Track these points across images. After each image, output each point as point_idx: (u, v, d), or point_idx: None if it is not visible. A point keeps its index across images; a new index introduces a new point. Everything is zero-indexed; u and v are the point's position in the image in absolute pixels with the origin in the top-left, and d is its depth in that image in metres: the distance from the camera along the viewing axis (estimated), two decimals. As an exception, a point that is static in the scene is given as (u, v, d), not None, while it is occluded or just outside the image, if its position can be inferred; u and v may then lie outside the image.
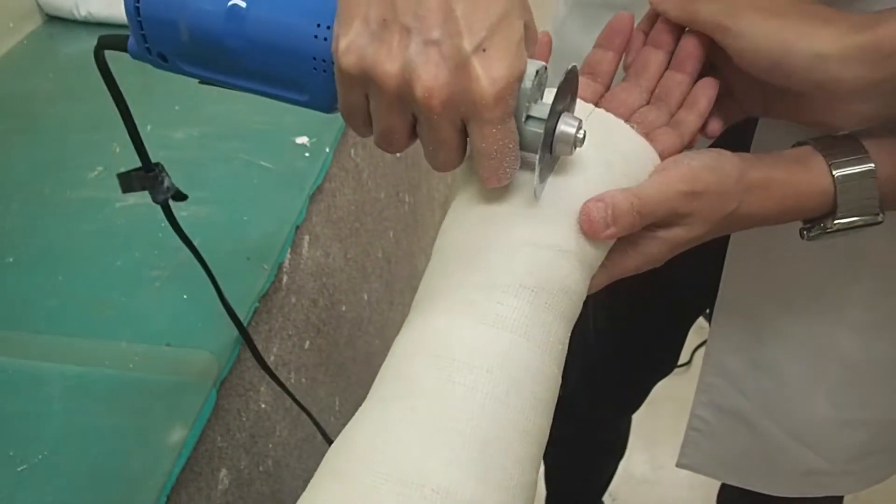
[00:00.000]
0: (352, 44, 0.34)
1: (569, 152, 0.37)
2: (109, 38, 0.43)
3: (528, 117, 0.36)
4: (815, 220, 0.45)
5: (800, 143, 0.45)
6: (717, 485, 0.85)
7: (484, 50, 0.32)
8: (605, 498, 1.37)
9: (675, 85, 0.45)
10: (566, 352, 0.38)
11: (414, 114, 0.35)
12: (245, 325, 0.62)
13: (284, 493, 0.76)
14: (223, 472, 0.61)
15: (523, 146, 0.37)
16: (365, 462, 0.31)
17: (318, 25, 0.37)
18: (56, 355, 0.60)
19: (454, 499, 0.30)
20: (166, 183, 0.50)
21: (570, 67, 0.37)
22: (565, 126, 0.37)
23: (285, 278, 0.72)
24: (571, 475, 1.22)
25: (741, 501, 0.84)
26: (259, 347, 0.67)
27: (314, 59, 0.38)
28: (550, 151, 0.38)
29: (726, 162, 0.42)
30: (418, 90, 0.33)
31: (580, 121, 0.37)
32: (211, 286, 0.64)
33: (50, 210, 0.71)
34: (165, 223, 0.71)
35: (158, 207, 0.72)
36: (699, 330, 0.89)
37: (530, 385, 0.34)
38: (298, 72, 0.38)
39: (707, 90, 0.45)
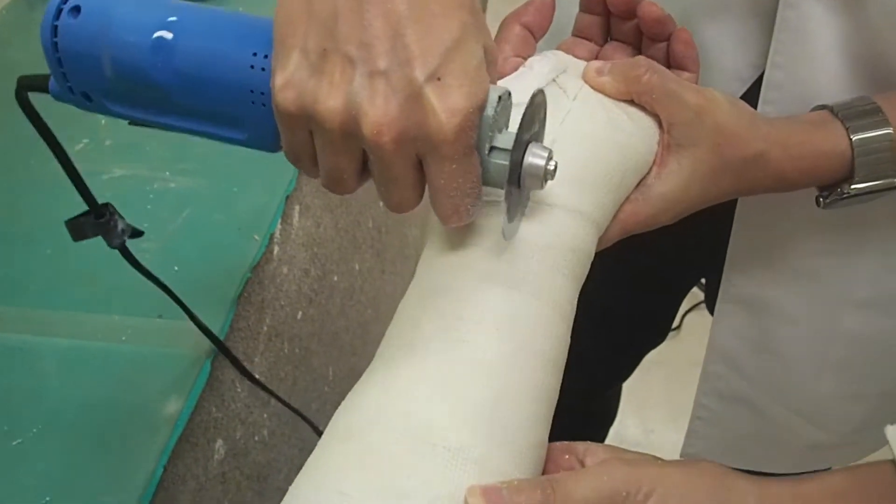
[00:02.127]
0: (290, 79, 0.30)
1: (539, 186, 0.34)
2: (29, 79, 0.39)
3: (492, 148, 0.33)
4: (832, 186, 0.45)
5: (818, 108, 0.45)
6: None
7: (438, 79, 0.29)
8: (598, 461, 1.39)
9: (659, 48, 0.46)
10: (574, 312, 0.38)
11: (364, 151, 0.32)
12: (237, 296, 0.62)
13: (281, 461, 0.76)
14: (219, 442, 0.62)
15: (488, 181, 0.33)
16: (374, 421, 0.31)
17: (255, 54, 0.33)
18: (48, 329, 0.59)
19: (464, 456, 0.30)
20: (120, 226, 0.46)
21: (534, 91, 0.33)
22: (533, 158, 0.33)
23: (276, 249, 0.71)
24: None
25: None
26: (252, 319, 0.67)
27: (251, 91, 0.34)
28: (519, 186, 0.34)
29: (740, 102, 0.43)
30: (366, 127, 0.29)
31: (550, 151, 0.34)
32: (200, 258, 0.63)
33: (36, 184, 0.70)
34: (154, 195, 0.70)
35: (147, 179, 0.72)
36: (689, 295, 0.89)
37: (540, 344, 0.34)
38: (235, 107, 0.34)
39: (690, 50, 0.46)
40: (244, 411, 0.66)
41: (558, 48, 0.48)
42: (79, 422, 0.53)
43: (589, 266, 0.39)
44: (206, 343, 0.58)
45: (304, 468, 0.31)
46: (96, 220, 0.46)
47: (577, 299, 0.38)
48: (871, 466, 0.31)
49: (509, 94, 0.33)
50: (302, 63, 0.30)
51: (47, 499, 0.48)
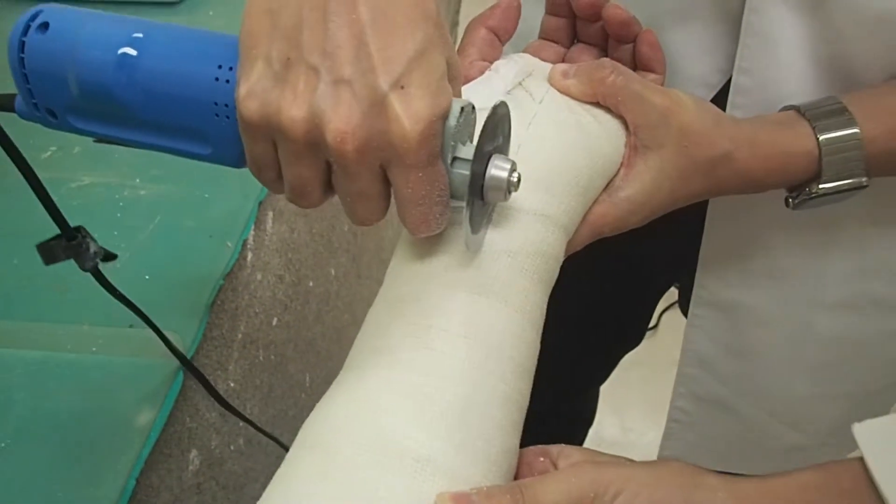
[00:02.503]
0: (253, 88, 0.31)
1: (502, 198, 0.34)
2: None
3: (455, 159, 0.33)
4: (800, 186, 0.45)
5: (786, 108, 0.46)
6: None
7: (402, 87, 0.29)
8: (577, 462, 1.40)
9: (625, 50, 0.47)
10: (544, 317, 0.38)
11: (328, 162, 0.32)
12: (209, 303, 0.61)
13: (258, 470, 0.75)
14: (193, 452, 0.61)
15: (451, 192, 0.33)
16: (343, 432, 0.31)
17: (220, 67, 0.33)
18: (16, 341, 0.58)
19: (434, 467, 0.30)
20: (92, 248, 0.46)
21: (496, 103, 0.33)
22: (496, 170, 0.33)
23: (250, 255, 0.71)
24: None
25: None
26: (225, 326, 0.66)
27: (215, 104, 0.34)
28: (482, 198, 0.34)
29: (706, 103, 0.43)
30: (329, 135, 0.30)
31: (513, 163, 0.34)
32: (172, 266, 0.63)
33: (2, 192, 0.69)
34: (124, 202, 0.69)
35: (117, 187, 0.71)
36: (666, 295, 0.90)
37: (509, 350, 0.34)
38: (199, 120, 0.34)
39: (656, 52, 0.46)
40: (219, 421, 0.65)
41: (525, 51, 0.48)
42: (49, 434, 0.52)
43: (558, 270, 0.39)
44: (179, 353, 0.58)
45: (273, 478, 0.31)
46: (68, 242, 0.45)
47: (546, 304, 0.38)
48: (840, 463, 0.32)
49: (473, 107, 0.33)
50: (266, 72, 0.30)
51: (18, 511, 0.47)
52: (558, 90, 0.42)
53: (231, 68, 0.33)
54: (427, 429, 0.31)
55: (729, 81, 0.49)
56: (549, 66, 0.44)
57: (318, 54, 0.29)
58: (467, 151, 0.33)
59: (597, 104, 0.42)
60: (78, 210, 0.67)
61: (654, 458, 1.48)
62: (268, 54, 0.30)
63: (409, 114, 0.29)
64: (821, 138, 0.43)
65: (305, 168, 0.32)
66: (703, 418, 0.71)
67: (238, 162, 0.36)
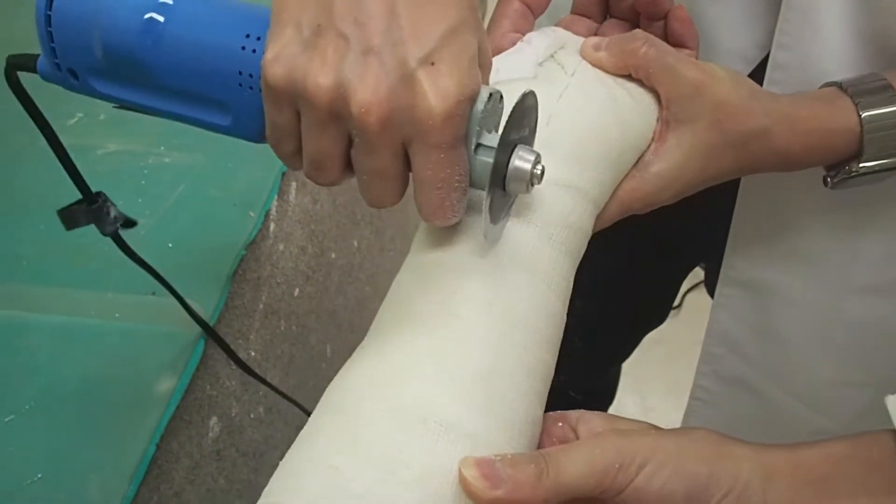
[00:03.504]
0: (281, 53, 0.30)
1: (524, 190, 0.33)
2: (19, 58, 0.38)
3: (479, 146, 0.32)
4: (840, 164, 0.44)
5: (826, 85, 0.44)
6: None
7: (432, 63, 0.28)
8: (596, 439, 1.40)
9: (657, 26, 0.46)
10: (571, 290, 0.37)
11: (350, 137, 0.31)
12: (231, 273, 0.61)
13: (277, 438, 0.76)
14: (213, 419, 0.61)
15: (472, 180, 0.32)
16: (366, 397, 0.31)
17: (248, 36, 0.33)
18: (41, 306, 0.59)
19: (458, 431, 0.30)
20: (112, 213, 0.46)
21: (524, 92, 0.32)
22: (519, 161, 0.32)
23: (272, 226, 0.71)
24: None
25: None
26: (247, 296, 0.67)
27: (240, 73, 0.33)
28: (504, 188, 0.33)
29: (742, 77, 0.42)
30: (354, 106, 0.29)
31: (537, 154, 0.33)
32: (195, 235, 0.63)
33: (30, 159, 0.70)
34: (148, 170, 0.69)
35: (142, 154, 0.71)
36: (690, 274, 0.88)
37: (534, 321, 0.34)
38: (222, 90, 0.34)
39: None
40: (239, 389, 0.66)
41: (557, 25, 0.47)
42: (71, 399, 0.53)
43: (586, 244, 0.38)
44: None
45: (295, 442, 0.31)
46: (89, 206, 0.45)
47: (573, 277, 0.38)
48: (871, 434, 0.31)
49: (501, 96, 0.32)
50: (295, 38, 0.30)
51: (39, 475, 0.48)
52: (590, 63, 0.41)
53: (259, 38, 0.33)
54: (451, 394, 0.30)
55: (767, 57, 0.48)
56: (581, 39, 0.43)
57: (350, 23, 0.29)
58: (492, 139, 0.32)
59: (629, 77, 0.41)
60: (103, 177, 0.67)
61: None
62: (298, 20, 0.30)
63: (437, 91, 0.28)
64: (863, 115, 0.41)
65: (327, 140, 0.31)
66: (726, 398, 0.70)
67: (257, 136, 0.35)
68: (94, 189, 0.45)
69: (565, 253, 0.36)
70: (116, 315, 0.58)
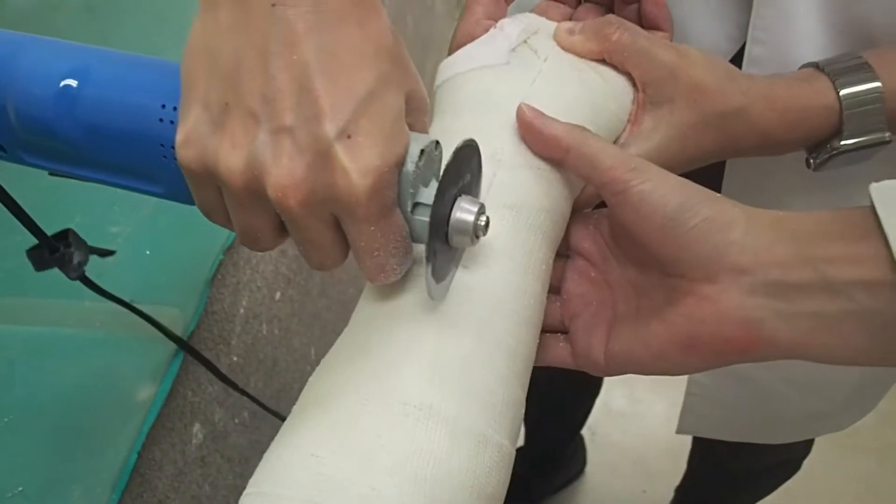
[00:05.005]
0: (190, 134, 0.28)
1: (469, 243, 0.31)
2: None
3: (416, 205, 0.30)
4: (821, 144, 0.44)
5: (804, 66, 0.45)
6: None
7: (349, 136, 0.27)
8: (585, 431, 1.40)
9: (631, 10, 0.46)
10: (550, 272, 0.38)
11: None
12: (210, 278, 0.61)
13: (264, 443, 0.76)
14: (196, 426, 0.61)
15: (413, 238, 0.31)
16: (345, 386, 0.31)
17: (164, 106, 0.31)
18: (18, 317, 0.58)
19: (437, 416, 0.30)
20: (76, 259, 0.44)
21: (462, 143, 0.30)
22: (461, 213, 0.31)
23: (251, 230, 0.70)
24: (547, 414, 1.24)
25: (718, 445, 0.85)
26: (227, 301, 0.66)
27: (161, 146, 0.31)
28: (447, 242, 0.32)
29: (717, 58, 0.42)
30: (270, 188, 0.27)
31: (481, 205, 0.31)
32: (173, 240, 0.63)
33: (3, 167, 0.69)
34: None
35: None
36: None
37: (512, 304, 0.34)
38: (146, 162, 0.32)
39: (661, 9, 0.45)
40: (222, 394, 0.66)
41: (532, 11, 0.47)
42: (51, 410, 0.52)
43: (564, 228, 0.39)
44: (181, 326, 0.58)
45: (279, 433, 0.32)
46: (50, 254, 0.44)
47: (552, 261, 0.38)
48: (856, 207, 0.32)
49: (436, 144, 0.31)
50: (203, 117, 0.28)
51: (20, 489, 0.48)
52: (564, 48, 0.42)
53: (175, 108, 0.31)
54: (430, 379, 0.31)
55: (740, 51, 0.48)
56: (554, 24, 0.43)
57: (258, 100, 0.27)
58: (429, 195, 0.30)
59: (603, 61, 0.42)
60: (77, 186, 0.67)
61: (662, 430, 1.49)
62: (206, 98, 0.28)
63: (357, 166, 0.27)
64: (841, 93, 0.41)
65: (253, 217, 0.30)
66: (720, 390, 0.70)
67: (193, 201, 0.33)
68: (68, 199, 0.45)
69: (542, 236, 0.36)
70: (96, 324, 0.58)
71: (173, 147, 0.30)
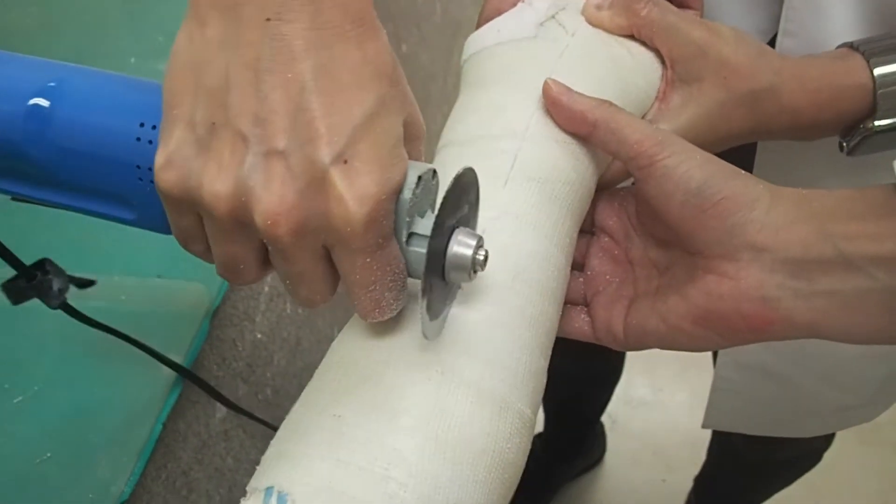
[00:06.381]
0: (172, 156, 0.26)
1: (466, 279, 0.29)
2: None
3: (411, 235, 0.29)
4: (854, 126, 0.43)
5: (838, 47, 0.44)
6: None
7: (345, 161, 0.25)
8: (605, 419, 1.40)
9: None
10: (574, 246, 0.38)
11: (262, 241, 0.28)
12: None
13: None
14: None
15: (409, 271, 0.29)
16: (368, 349, 0.31)
17: (142, 125, 0.29)
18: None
19: (459, 379, 0.30)
20: (56, 285, 0.42)
21: (461, 170, 0.28)
22: (459, 247, 0.29)
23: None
24: (566, 403, 1.24)
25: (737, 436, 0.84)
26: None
27: (137, 167, 0.29)
28: (443, 276, 0.30)
29: (748, 35, 0.41)
30: (259, 216, 0.25)
31: (479, 238, 0.29)
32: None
33: None
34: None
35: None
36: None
37: (536, 273, 0.34)
38: (119, 184, 0.30)
39: None
40: (246, 371, 0.66)
41: None
42: (78, 380, 0.53)
43: (589, 202, 0.39)
44: (206, 302, 0.58)
45: (301, 395, 0.32)
46: (28, 283, 0.42)
47: (576, 235, 0.38)
48: (881, 186, 0.32)
49: (433, 172, 0.29)
50: (187, 138, 0.26)
51: (48, 454, 0.49)
52: (592, 23, 0.41)
53: (154, 126, 0.29)
54: (452, 342, 0.31)
55: (771, 43, 0.47)
56: (582, 0, 0.43)
57: (248, 120, 0.25)
58: (425, 226, 0.28)
59: (632, 37, 0.41)
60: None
61: (683, 419, 1.48)
62: (191, 116, 0.26)
63: (354, 193, 0.25)
64: (875, 72, 0.41)
65: (236, 247, 0.28)
66: (748, 386, 0.69)
67: (168, 229, 0.31)
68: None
69: (567, 209, 0.36)
70: (123, 297, 0.59)
71: (150, 168, 0.29)
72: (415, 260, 0.29)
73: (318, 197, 0.25)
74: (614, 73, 0.40)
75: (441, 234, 0.28)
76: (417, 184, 0.28)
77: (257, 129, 0.25)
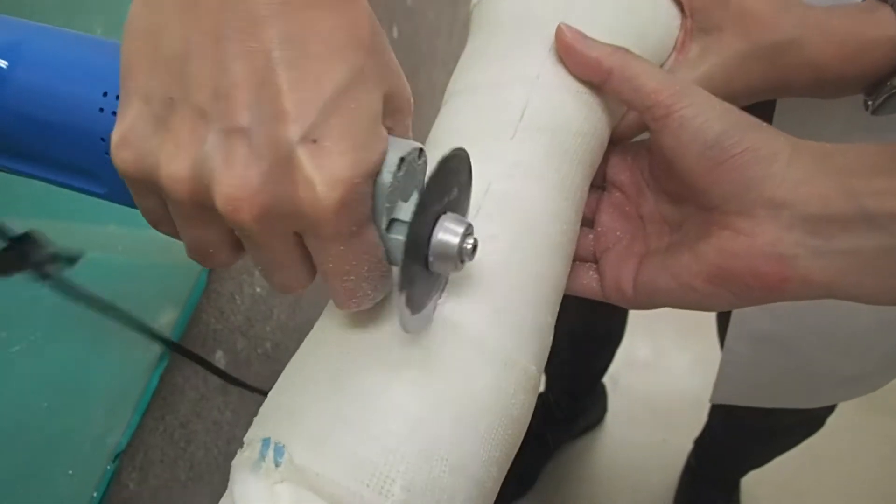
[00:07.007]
0: (128, 133, 0.24)
1: (452, 269, 0.27)
2: None
3: (393, 221, 0.26)
4: (880, 82, 0.42)
5: None
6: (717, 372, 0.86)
7: (314, 141, 0.23)
8: (606, 380, 1.40)
9: None
10: (584, 200, 0.36)
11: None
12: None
13: (285, 375, 0.76)
14: (219, 353, 0.61)
15: (389, 259, 0.27)
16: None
17: (105, 94, 0.27)
18: (43, 239, 0.59)
19: (465, 334, 0.29)
20: (44, 259, 0.39)
21: (450, 152, 0.26)
22: (444, 234, 0.26)
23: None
24: (568, 361, 1.24)
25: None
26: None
27: (102, 140, 0.27)
28: (426, 266, 0.27)
29: None
30: (220, 200, 0.23)
31: (468, 225, 0.27)
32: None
33: None
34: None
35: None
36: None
37: (544, 227, 0.33)
38: (83, 157, 0.28)
39: None
40: (245, 324, 0.66)
41: None
42: (76, 331, 0.52)
43: (601, 155, 0.37)
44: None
45: (303, 344, 0.31)
46: (16, 255, 0.40)
47: (587, 189, 0.37)
48: None
49: (419, 151, 0.27)
50: (143, 114, 0.24)
51: (45, 404, 0.48)
52: None
53: (118, 97, 0.26)
54: (456, 298, 0.30)
55: None
56: None
57: (209, 95, 0.23)
58: (406, 210, 0.26)
59: None
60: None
61: (685, 381, 1.48)
62: (147, 91, 0.24)
63: (324, 176, 0.23)
64: None
65: (202, 230, 0.26)
66: (759, 358, 0.69)
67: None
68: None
69: (578, 161, 0.35)
70: (119, 248, 0.58)
71: None
72: (395, 248, 0.26)
73: (285, 180, 0.23)
74: (631, 20, 0.38)
75: (424, 220, 0.26)
76: (400, 165, 0.25)
77: (217, 104, 0.23)
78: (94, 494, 0.46)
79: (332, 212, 0.23)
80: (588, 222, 0.39)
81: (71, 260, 0.42)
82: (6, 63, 0.27)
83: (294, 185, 0.23)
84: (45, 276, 0.41)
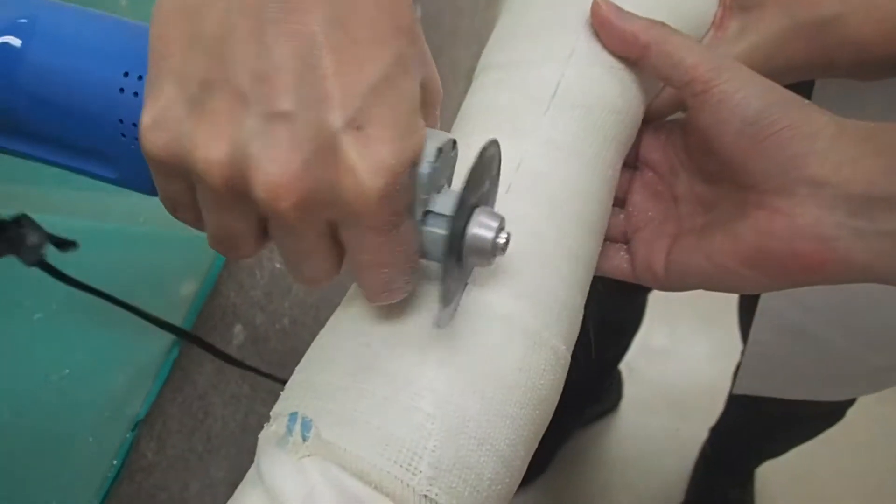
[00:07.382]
0: (161, 116, 0.23)
1: (485, 263, 0.27)
2: None
3: (427, 213, 0.26)
4: None
5: None
6: (734, 362, 0.85)
7: (358, 127, 0.22)
8: (622, 367, 1.39)
9: None
10: (617, 178, 0.36)
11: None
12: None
13: (302, 350, 0.76)
14: (238, 327, 0.61)
15: (422, 253, 0.27)
16: None
17: (127, 74, 0.26)
18: (64, 209, 0.59)
19: (492, 313, 0.29)
20: (29, 240, 0.39)
21: (485, 144, 0.26)
22: (479, 228, 0.26)
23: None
24: (585, 347, 1.23)
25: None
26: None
27: (120, 122, 0.26)
28: (459, 259, 0.27)
29: None
30: (258, 188, 0.22)
31: (501, 219, 0.26)
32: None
33: None
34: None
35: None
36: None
37: (576, 204, 0.32)
38: (98, 139, 0.27)
39: None
40: (264, 299, 0.66)
41: None
42: (94, 302, 0.53)
43: (635, 133, 0.37)
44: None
45: (327, 323, 0.31)
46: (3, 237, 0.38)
47: (620, 165, 0.36)
48: None
49: (453, 143, 0.26)
50: (178, 96, 0.23)
51: (66, 371, 0.49)
52: None
53: (141, 77, 0.26)
54: (486, 275, 0.29)
55: None
56: None
57: (249, 77, 0.22)
58: (445, 204, 0.25)
59: None
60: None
61: (703, 369, 1.47)
62: (182, 72, 0.23)
63: (368, 164, 0.22)
64: None
65: (230, 219, 0.25)
66: (785, 349, 0.68)
67: (152, 190, 0.28)
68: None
69: (612, 139, 0.34)
70: (141, 219, 0.58)
71: (135, 124, 0.26)
72: (430, 241, 0.26)
73: (327, 167, 0.22)
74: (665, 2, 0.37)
75: (462, 213, 0.26)
76: (437, 156, 0.24)
77: (259, 87, 0.22)
78: (115, 462, 0.46)
79: (375, 201, 0.23)
80: (619, 202, 0.38)
81: (67, 245, 0.41)
82: (20, 41, 0.26)
83: (337, 172, 0.22)
84: (34, 261, 0.40)
